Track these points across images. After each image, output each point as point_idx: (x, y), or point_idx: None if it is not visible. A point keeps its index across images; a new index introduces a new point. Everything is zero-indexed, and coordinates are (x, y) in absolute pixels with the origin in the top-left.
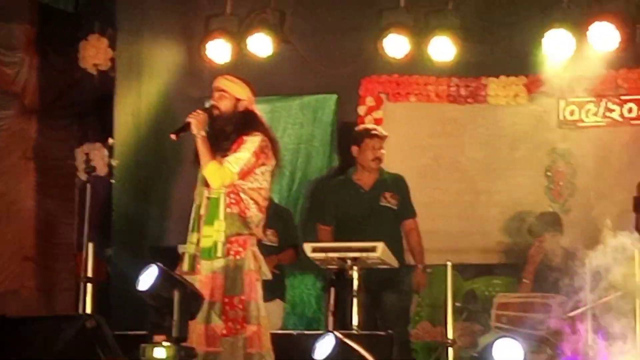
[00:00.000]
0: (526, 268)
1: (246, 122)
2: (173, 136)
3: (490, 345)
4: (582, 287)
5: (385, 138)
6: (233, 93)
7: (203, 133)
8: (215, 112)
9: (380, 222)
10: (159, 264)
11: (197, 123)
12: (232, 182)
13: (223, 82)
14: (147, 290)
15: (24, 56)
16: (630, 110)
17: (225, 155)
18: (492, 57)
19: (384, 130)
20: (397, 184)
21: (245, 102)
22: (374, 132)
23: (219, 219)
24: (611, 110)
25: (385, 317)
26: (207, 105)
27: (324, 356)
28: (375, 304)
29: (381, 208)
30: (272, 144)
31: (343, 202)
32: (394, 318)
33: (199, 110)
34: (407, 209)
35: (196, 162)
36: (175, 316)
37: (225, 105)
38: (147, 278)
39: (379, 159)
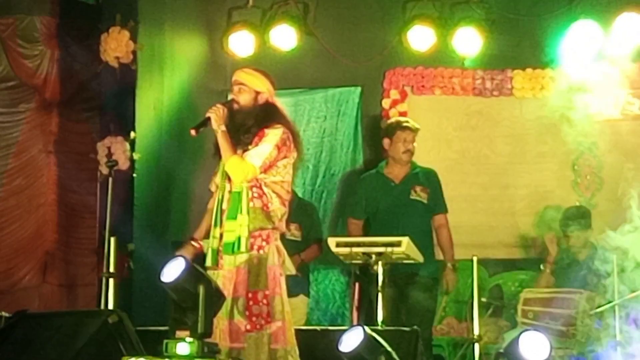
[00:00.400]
0: (547, 258)
1: (267, 115)
2: (193, 132)
3: (516, 339)
4: (610, 282)
5: (417, 131)
6: (252, 86)
7: (223, 128)
8: (235, 106)
9: (410, 216)
10: (185, 256)
11: (216, 118)
12: (255, 176)
13: (242, 76)
14: (170, 283)
15: (45, 49)
16: None
17: (247, 149)
18: (518, 49)
19: (415, 123)
20: (428, 178)
21: (265, 94)
22: (405, 124)
23: (241, 213)
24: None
25: (411, 313)
26: (228, 98)
27: (350, 349)
28: (401, 299)
29: (411, 202)
30: (293, 137)
31: (373, 195)
32: (420, 314)
33: (218, 105)
34: (437, 204)
35: (217, 156)
36: (200, 311)
37: (245, 99)
38: (173, 270)
39: (410, 152)
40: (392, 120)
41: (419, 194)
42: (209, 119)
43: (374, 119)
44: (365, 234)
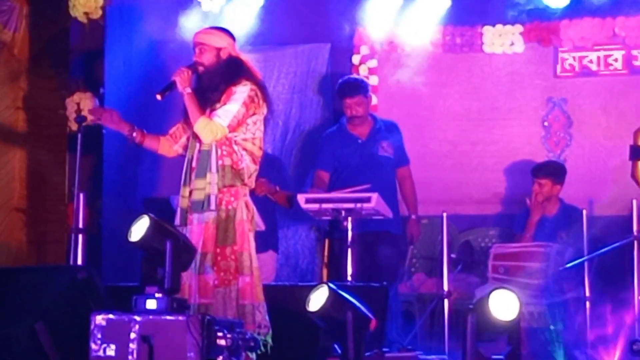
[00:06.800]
0: (530, 220)
1: (232, 71)
2: (158, 96)
3: (486, 296)
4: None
5: (360, 90)
6: (212, 44)
7: (189, 90)
8: (200, 68)
9: (379, 173)
10: (150, 214)
11: (181, 81)
12: (224, 135)
13: (200, 37)
14: (138, 241)
15: (14, 4)
16: (628, 59)
17: (214, 108)
18: (488, 5)
19: (363, 80)
20: (391, 132)
21: (227, 49)
22: (344, 90)
23: (210, 171)
24: (608, 59)
25: (379, 270)
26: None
27: (318, 307)
28: (369, 256)
29: (380, 158)
30: (261, 91)
31: (340, 152)
32: (387, 271)
33: (182, 68)
34: (402, 157)
35: (186, 119)
36: (167, 267)
37: (207, 59)
38: (139, 229)
39: (355, 117)
40: (339, 83)
41: (386, 150)
42: (174, 82)
43: (343, 76)
44: (331, 190)
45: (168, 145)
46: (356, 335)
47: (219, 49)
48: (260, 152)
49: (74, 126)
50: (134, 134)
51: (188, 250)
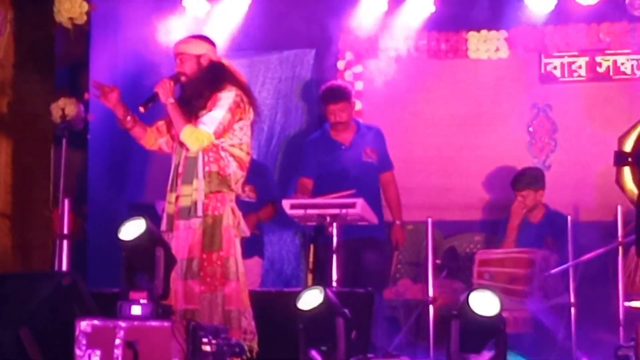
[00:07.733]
0: (509, 225)
1: (216, 77)
2: (141, 109)
3: (466, 299)
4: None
5: (345, 96)
6: (191, 52)
7: (172, 100)
8: (182, 78)
9: (363, 179)
10: (147, 219)
11: (163, 92)
12: (210, 142)
13: (178, 47)
14: (128, 242)
15: None
16: (613, 65)
17: (200, 115)
18: (473, 10)
19: (346, 86)
20: (375, 137)
21: (207, 55)
22: (328, 96)
23: (197, 178)
24: (594, 65)
25: (365, 277)
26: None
27: (309, 307)
28: (354, 263)
29: (364, 164)
30: (246, 96)
31: (324, 158)
32: (373, 277)
33: (164, 79)
34: (385, 162)
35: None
36: (158, 274)
37: (189, 67)
38: (132, 229)
39: (339, 123)
40: (323, 89)
41: (370, 156)
42: (156, 94)
43: (328, 81)
44: (314, 196)
45: (153, 137)
46: (347, 340)
47: (198, 57)
48: (248, 157)
49: (59, 132)
50: (128, 118)
51: (171, 260)
